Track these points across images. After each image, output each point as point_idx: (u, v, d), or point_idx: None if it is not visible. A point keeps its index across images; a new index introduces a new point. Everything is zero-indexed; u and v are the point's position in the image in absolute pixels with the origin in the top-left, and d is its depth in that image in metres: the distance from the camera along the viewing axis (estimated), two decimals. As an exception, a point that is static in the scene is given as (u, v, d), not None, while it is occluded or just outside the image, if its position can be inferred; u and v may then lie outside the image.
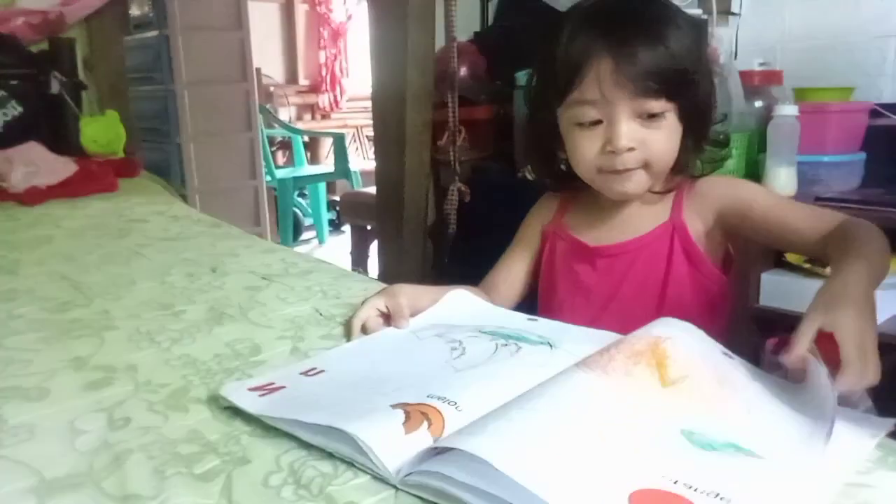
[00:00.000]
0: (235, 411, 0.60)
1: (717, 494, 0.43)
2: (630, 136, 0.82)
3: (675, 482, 0.44)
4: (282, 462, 0.52)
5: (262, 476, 0.50)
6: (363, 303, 0.81)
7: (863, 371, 0.56)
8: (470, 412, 0.53)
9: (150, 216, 1.56)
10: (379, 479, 0.49)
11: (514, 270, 1.01)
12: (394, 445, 0.49)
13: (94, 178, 1.85)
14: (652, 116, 0.82)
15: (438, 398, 0.55)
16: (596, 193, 0.93)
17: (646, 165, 0.85)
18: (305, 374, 0.66)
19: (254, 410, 0.58)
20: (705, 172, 0.92)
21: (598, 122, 0.84)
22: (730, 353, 0.65)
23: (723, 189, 0.90)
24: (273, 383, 0.63)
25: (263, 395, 0.61)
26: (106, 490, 0.49)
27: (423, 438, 0.50)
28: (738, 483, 0.45)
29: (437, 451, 0.47)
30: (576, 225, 0.98)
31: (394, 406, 0.54)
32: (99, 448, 0.55)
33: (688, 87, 0.82)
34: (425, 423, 0.51)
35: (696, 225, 0.90)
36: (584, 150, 0.86)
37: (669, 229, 0.90)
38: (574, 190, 0.97)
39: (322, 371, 0.66)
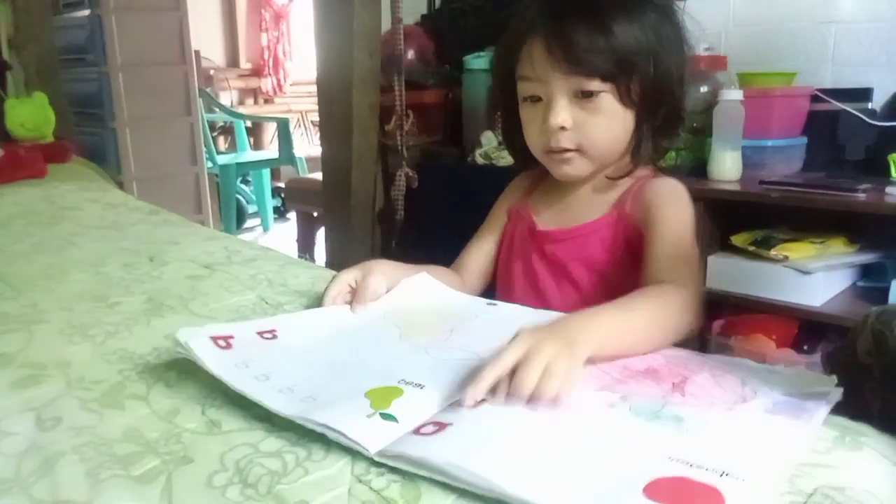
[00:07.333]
0: (175, 408, 0.57)
1: (724, 472, 0.42)
2: (565, 115, 0.82)
3: (672, 459, 0.44)
4: (226, 460, 0.49)
5: (206, 476, 0.47)
6: (335, 276, 0.79)
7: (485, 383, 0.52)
8: (429, 392, 0.54)
9: (84, 203, 1.49)
10: (330, 476, 0.47)
11: (483, 250, 1.00)
12: (364, 429, 0.49)
13: (22, 163, 1.77)
14: (588, 96, 0.81)
15: (404, 382, 0.56)
16: None
17: (581, 149, 0.84)
18: (261, 334, 0.66)
19: (215, 369, 0.57)
20: (656, 160, 0.90)
21: (539, 99, 0.84)
22: None
23: (657, 197, 0.86)
24: (232, 337, 0.62)
25: (223, 348, 0.60)
26: (35, 496, 0.46)
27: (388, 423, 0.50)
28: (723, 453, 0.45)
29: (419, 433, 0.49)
30: (537, 206, 0.97)
31: (358, 391, 0.54)
32: (27, 451, 0.51)
33: (628, 68, 0.80)
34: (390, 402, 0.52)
35: (638, 217, 0.88)
36: (530, 126, 0.87)
37: (615, 218, 0.89)
38: (544, 170, 0.96)
39: (276, 337, 0.66)
